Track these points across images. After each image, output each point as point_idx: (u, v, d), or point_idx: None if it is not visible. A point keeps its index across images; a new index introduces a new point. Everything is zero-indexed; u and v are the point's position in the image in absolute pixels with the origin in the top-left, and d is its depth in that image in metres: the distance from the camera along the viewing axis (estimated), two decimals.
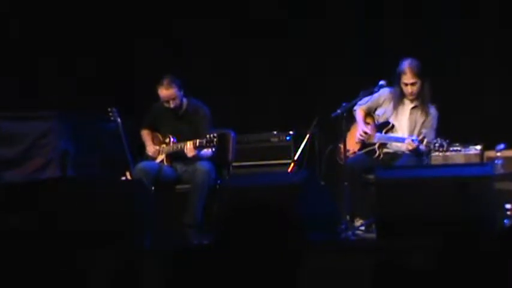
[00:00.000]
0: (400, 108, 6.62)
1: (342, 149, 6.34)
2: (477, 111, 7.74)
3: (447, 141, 6.25)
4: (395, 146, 6.60)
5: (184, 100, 6.96)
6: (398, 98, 6.60)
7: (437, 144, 6.25)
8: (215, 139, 6.60)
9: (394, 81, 6.58)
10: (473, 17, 7.82)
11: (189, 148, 6.69)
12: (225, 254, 2.34)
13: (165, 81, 6.82)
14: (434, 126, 6.55)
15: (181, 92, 6.89)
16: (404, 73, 6.50)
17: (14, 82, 8.29)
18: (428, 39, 7.87)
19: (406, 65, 6.49)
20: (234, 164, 7.25)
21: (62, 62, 8.55)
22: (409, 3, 8.03)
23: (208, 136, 6.60)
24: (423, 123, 6.55)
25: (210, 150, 6.75)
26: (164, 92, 6.84)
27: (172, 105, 6.87)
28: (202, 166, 6.71)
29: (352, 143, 6.64)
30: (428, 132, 6.49)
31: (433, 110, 6.58)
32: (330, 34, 8.27)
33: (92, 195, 5.83)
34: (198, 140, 6.64)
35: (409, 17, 8.00)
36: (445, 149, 6.26)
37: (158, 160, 6.93)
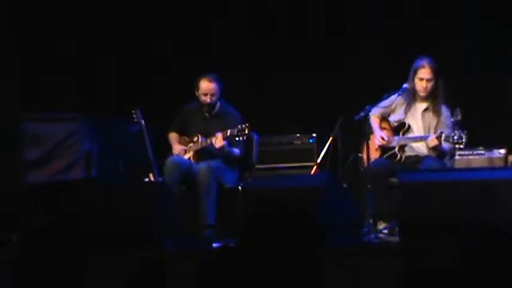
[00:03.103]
0: (412, 111, 6.56)
1: (365, 153, 6.32)
2: (501, 114, 7.68)
3: (465, 131, 6.16)
4: (416, 148, 6.55)
5: (218, 102, 7.00)
6: (411, 97, 6.53)
7: (455, 137, 6.15)
8: (247, 128, 6.62)
9: (408, 78, 6.53)
10: (495, 16, 7.76)
11: (218, 138, 6.69)
12: (248, 256, 2.34)
13: (210, 75, 6.90)
14: (450, 125, 6.47)
15: (220, 93, 6.94)
16: (423, 67, 6.43)
17: (37, 83, 8.33)
18: (451, 39, 7.83)
19: (426, 60, 6.45)
20: (257, 166, 7.25)
21: (83, 62, 8.58)
22: (431, 3, 7.99)
23: (240, 126, 6.63)
24: (437, 123, 6.49)
25: (238, 150, 6.78)
26: (207, 83, 6.89)
27: (209, 100, 6.90)
28: (205, 165, 6.72)
29: (372, 150, 6.58)
30: (446, 131, 6.42)
31: (444, 109, 6.51)
32: (353, 34, 8.24)
33: (116, 197, 5.86)
34: (229, 130, 6.66)
35: (430, 16, 7.96)
36: (464, 140, 6.15)
37: (185, 157, 6.96)
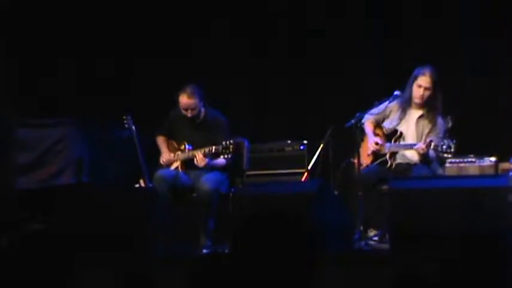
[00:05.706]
0: (407, 117, 6.59)
1: (356, 160, 6.33)
2: (492, 122, 7.70)
3: (453, 141, 6.18)
4: (407, 156, 6.55)
5: (203, 110, 6.96)
6: (406, 103, 6.55)
7: (444, 146, 6.18)
8: (231, 146, 6.58)
9: (406, 84, 6.54)
10: (491, 17, 7.76)
11: (199, 158, 6.68)
12: (239, 262, 2.34)
13: (189, 90, 6.81)
14: (441, 135, 6.48)
15: (202, 103, 6.90)
16: (424, 75, 6.44)
17: (31, 87, 8.30)
18: (445, 47, 7.84)
19: (428, 68, 6.47)
20: (248, 172, 7.25)
21: (81, 64, 8.56)
22: (428, 7, 7.99)
23: (224, 143, 6.59)
24: (429, 131, 6.51)
25: (223, 159, 6.77)
26: (186, 100, 6.83)
27: (190, 114, 6.87)
28: (207, 178, 6.69)
29: (364, 156, 6.60)
30: (435, 140, 6.42)
31: (440, 120, 6.54)
32: (347, 40, 8.22)
33: (106, 202, 5.85)
34: (214, 147, 6.63)
35: (427, 18, 7.95)
36: (452, 150, 6.17)
37: (173, 167, 6.95)
